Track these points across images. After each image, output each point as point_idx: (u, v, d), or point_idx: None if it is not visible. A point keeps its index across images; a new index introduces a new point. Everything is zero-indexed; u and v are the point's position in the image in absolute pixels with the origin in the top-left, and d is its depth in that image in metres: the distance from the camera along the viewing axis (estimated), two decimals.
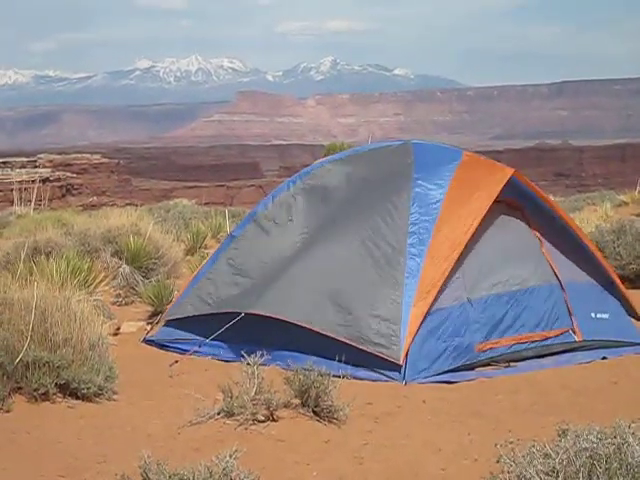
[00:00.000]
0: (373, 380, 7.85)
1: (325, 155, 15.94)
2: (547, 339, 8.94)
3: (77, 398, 6.93)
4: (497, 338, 8.60)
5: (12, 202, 28.18)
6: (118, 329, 9.87)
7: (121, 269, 12.03)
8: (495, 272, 8.82)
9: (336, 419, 6.73)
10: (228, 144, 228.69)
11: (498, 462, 4.55)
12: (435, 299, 8.19)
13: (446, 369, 8.13)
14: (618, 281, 9.78)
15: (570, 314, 9.14)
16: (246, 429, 6.47)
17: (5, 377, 6.69)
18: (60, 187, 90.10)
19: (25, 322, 6.93)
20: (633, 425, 4.50)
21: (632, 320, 9.75)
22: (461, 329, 8.35)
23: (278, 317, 8.28)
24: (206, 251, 14.96)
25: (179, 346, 8.99)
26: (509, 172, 9.07)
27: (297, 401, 6.81)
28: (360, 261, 8.49)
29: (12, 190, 28.78)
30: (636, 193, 26.04)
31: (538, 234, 9.35)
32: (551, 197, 10.86)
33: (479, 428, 6.74)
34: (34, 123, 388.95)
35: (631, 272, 12.45)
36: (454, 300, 8.41)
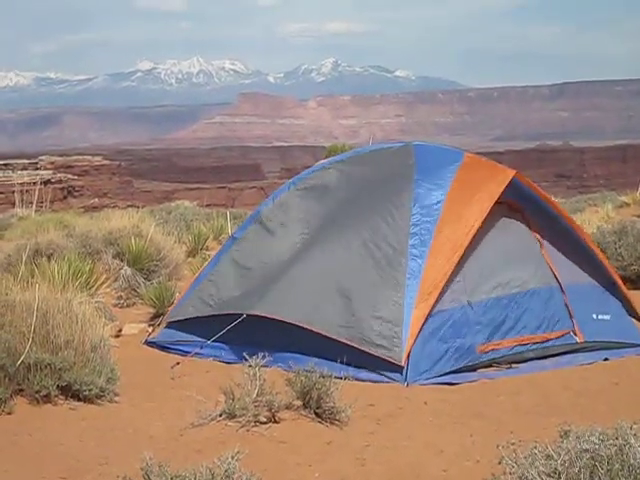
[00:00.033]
0: (375, 381, 7.85)
1: (326, 157, 15.92)
2: (548, 341, 8.94)
3: (79, 400, 6.93)
4: (499, 340, 8.60)
5: (14, 204, 28.20)
6: (120, 331, 9.87)
7: (122, 271, 12.03)
8: (495, 275, 8.82)
9: (338, 421, 6.73)
10: (229, 146, 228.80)
11: (500, 463, 4.55)
12: (436, 301, 8.19)
13: (448, 370, 8.14)
14: (620, 282, 9.78)
15: (571, 316, 9.14)
16: (248, 431, 6.47)
17: (7, 379, 6.69)
18: (61, 189, 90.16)
19: (27, 324, 6.93)
20: (635, 426, 4.50)
21: (634, 321, 9.74)
22: (462, 330, 8.35)
23: (279, 318, 8.29)
24: (208, 253, 14.96)
25: (181, 348, 8.99)
26: (510, 173, 9.06)
27: (299, 403, 6.81)
28: (361, 262, 8.49)
29: (13, 192, 28.79)
30: (637, 194, 26.01)
31: (538, 236, 9.34)
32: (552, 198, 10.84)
33: (481, 429, 6.74)
34: (35, 125, 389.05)
35: (632, 273, 12.44)
36: (455, 302, 8.41)
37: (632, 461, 4.29)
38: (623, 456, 4.32)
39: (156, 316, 10.43)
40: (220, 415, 6.61)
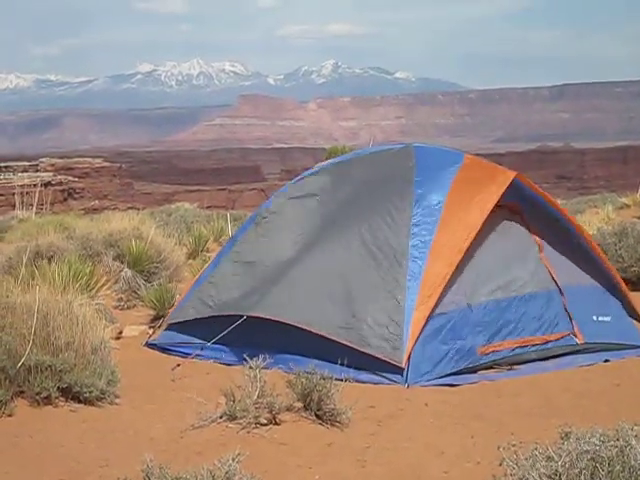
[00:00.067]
0: (375, 383, 7.84)
1: (327, 158, 15.94)
2: (548, 343, 8.94)
3: (79, 402, 6.93)
4: (499, 341, 8.59)
5: (14, 206, 28.19)
6: (120, 333, 9.87)
7: (123, 273, 12.03)
8: (494, 278, 8.81)
9: (338, 422, 6.73)
10: (230, 148, 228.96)
11: (501, 465, 4.54)
12: (437, 303, 8.18)
13: (448, 372, 8.13)
14: (622, 283, 9.77)
15: (570, 319, 9.13)
16: (248, 433, 6.47)
17: (7, 381, 6.69)
18: (62, 191, 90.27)
19: (27, 326, 6.93)
20: (636, 427, 4.49)
21: (634, 322, 9.74)
22: (463, 332, 8.35)
23: (280, 320, 8.28)
24: (208, 255, 14.97)
25: (181, 350, 8.99)
26: (511, 175, 9.05)
27: (299, 404, 6.81)
28: (361, 263, 8.48)
29: (14, 194, 28.77)
30: (638, 195, 25.99)
31: (538, 239, 9.32)
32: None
33: (481, 431, 6.73)
34: (36, 127, 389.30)
35: (633, 274, 12.44)
36: (455, 304, 8.41)
37: (633, 462, 4.29)
38: (624, 457, 4.31)
39: (156, 318, 10.43)
40: (221, 417, 6.61)
